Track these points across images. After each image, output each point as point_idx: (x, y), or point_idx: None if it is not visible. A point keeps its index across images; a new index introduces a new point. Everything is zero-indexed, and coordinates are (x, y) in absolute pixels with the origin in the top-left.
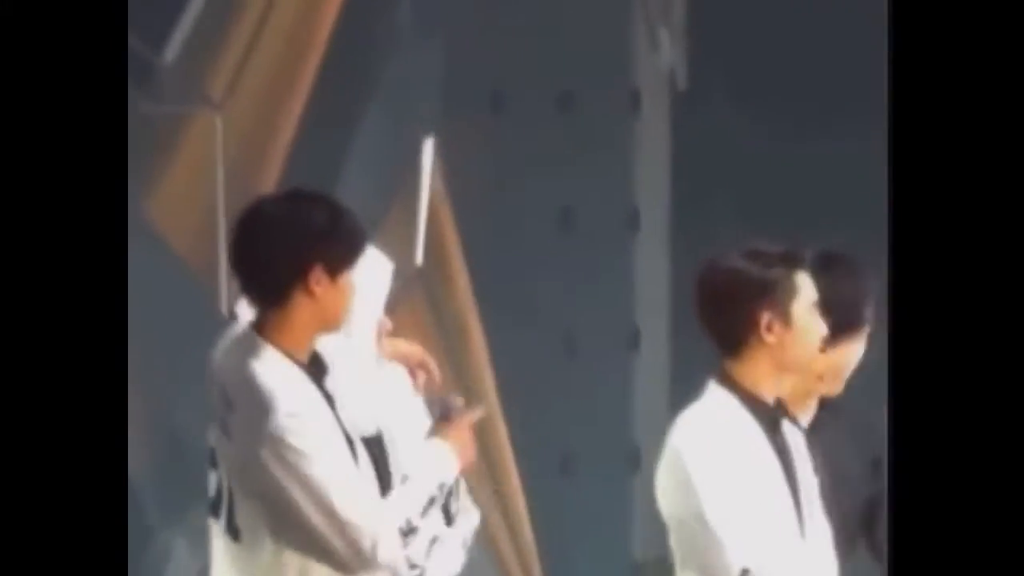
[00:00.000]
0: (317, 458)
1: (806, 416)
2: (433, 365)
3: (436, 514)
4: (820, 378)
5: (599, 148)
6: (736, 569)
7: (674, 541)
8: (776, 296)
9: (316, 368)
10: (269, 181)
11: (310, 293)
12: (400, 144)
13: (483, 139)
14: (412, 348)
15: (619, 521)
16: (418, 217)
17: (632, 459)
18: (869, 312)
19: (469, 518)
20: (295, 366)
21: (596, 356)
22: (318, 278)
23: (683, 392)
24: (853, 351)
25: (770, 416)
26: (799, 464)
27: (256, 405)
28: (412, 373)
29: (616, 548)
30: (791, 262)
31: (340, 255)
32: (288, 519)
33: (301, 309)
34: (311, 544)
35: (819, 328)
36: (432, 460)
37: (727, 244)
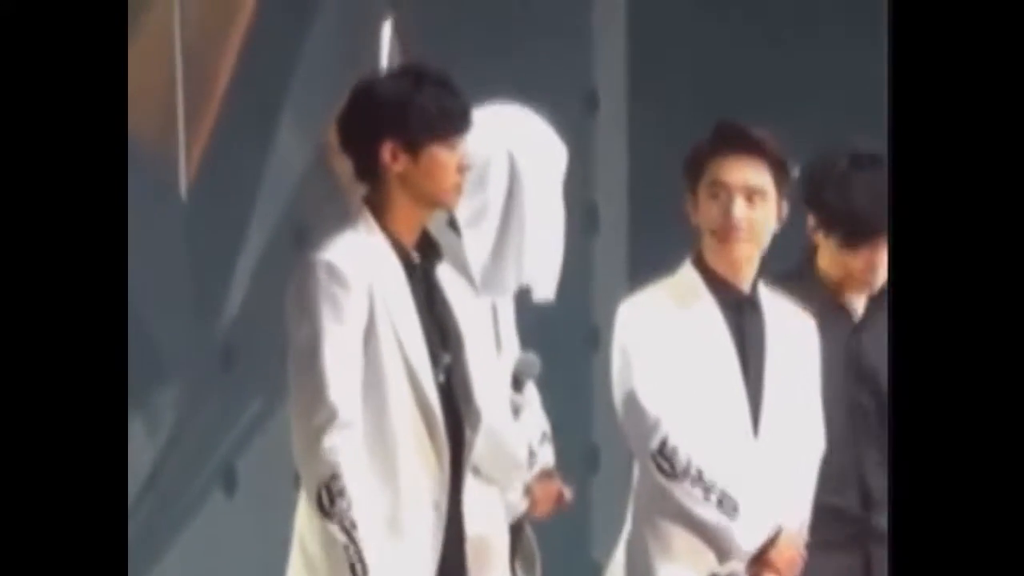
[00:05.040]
0: (326, 314)
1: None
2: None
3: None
4: (852, 276)
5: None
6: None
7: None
8: None
9: (426, 248)
10: (228, 55)
11: (390, 169)
12: (361, 22)
13: (441, 20)
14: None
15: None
16: None
17: (591, 340)
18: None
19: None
20: (385, 240)
21: None
22: (394, 152)
23: (642, 277)
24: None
25: (734, 300)
26: (770, 354)
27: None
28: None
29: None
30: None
31: (413, 129)
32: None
33: (390, 185)
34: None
35: None
36: None
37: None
